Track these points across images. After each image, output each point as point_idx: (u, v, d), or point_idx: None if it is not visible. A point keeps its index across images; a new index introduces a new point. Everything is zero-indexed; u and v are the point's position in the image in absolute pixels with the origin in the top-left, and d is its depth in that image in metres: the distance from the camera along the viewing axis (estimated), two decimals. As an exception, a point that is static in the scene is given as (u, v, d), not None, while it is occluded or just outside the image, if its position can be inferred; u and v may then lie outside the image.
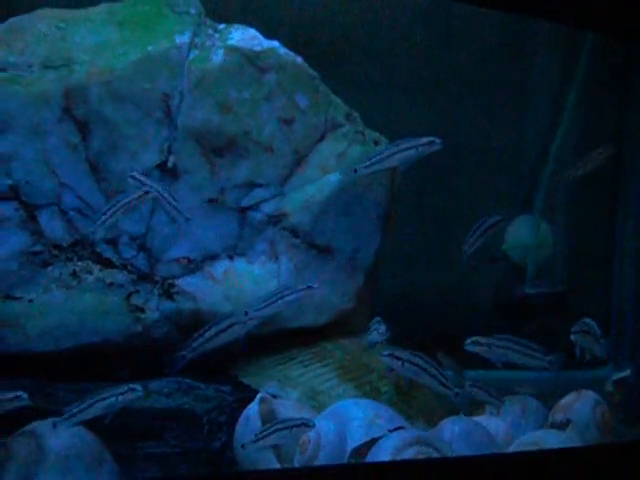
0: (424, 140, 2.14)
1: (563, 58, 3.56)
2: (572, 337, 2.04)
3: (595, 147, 2.52)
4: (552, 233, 3.50)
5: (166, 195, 2.05)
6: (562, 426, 2.19)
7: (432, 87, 3.23)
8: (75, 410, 1.79)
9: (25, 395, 1.77)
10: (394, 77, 3.14)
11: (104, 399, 1.78)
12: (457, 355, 2.53)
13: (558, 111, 3.46)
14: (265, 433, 1.86)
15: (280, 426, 1.85)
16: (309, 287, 2.13)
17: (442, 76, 3.25)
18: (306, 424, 1.86)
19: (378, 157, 2.16)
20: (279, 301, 2.10)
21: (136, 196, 2.02)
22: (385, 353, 1.96)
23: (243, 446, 1.90)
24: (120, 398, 1.78)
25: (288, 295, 2.10)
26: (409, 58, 3.17)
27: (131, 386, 1.79)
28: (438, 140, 2.15)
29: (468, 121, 3.28)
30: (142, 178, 2.07)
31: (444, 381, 1.94)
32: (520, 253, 3.44)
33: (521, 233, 3.44)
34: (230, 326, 2.01)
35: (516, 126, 3.51)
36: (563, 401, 2.27)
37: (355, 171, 2.18)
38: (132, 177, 2.07)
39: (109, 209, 2.03)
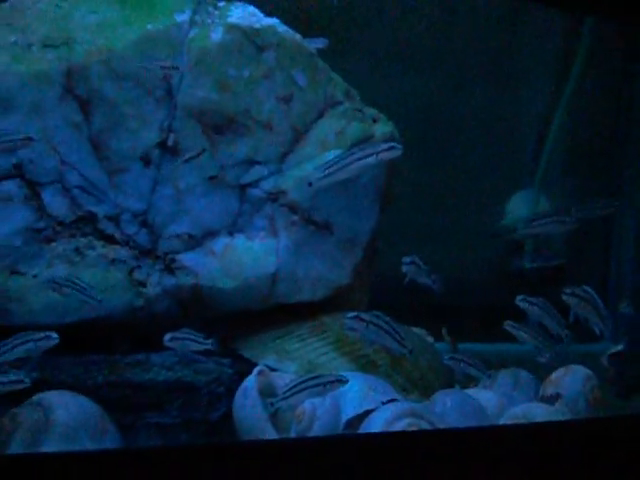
0: (384, 146, 2.02)
1: (567, 32, 3.54)
2: (563, 297, 2.02)
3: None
4: (551, 207, 3.51)
5: None
6: (552, 400, 2.24)
7: (432, 61, 3.22)
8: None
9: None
10: (395, 53, 3.13)
11: (23, 343, 1.87)
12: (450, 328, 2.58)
13: (561, 86, 3.45)
14: (296, 389, 1.80)
15: (312, 383, 1.80)
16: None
17: (443, 49, 3.24)
18: (340, 380, 1.81)
19: (333, 167, 2.06)
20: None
21: None
22: (350, 315, 1.95)
23: (272, 404, 1.85)
24: (38, 344, 1.88)
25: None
26: (410, 33, 3.16)
27: (47, 333, 1.88)
28: (399, 145, 2.03)
29: (468, 96, 3.28)
30: None
31: (400, 340, 1.95)
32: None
33: (520, 208, 3.46)
34: None
35: (518, 100, 3.51)
36: (554, 375, 2.32)
37: (310, 185, 2.13)
38: None
39: None
